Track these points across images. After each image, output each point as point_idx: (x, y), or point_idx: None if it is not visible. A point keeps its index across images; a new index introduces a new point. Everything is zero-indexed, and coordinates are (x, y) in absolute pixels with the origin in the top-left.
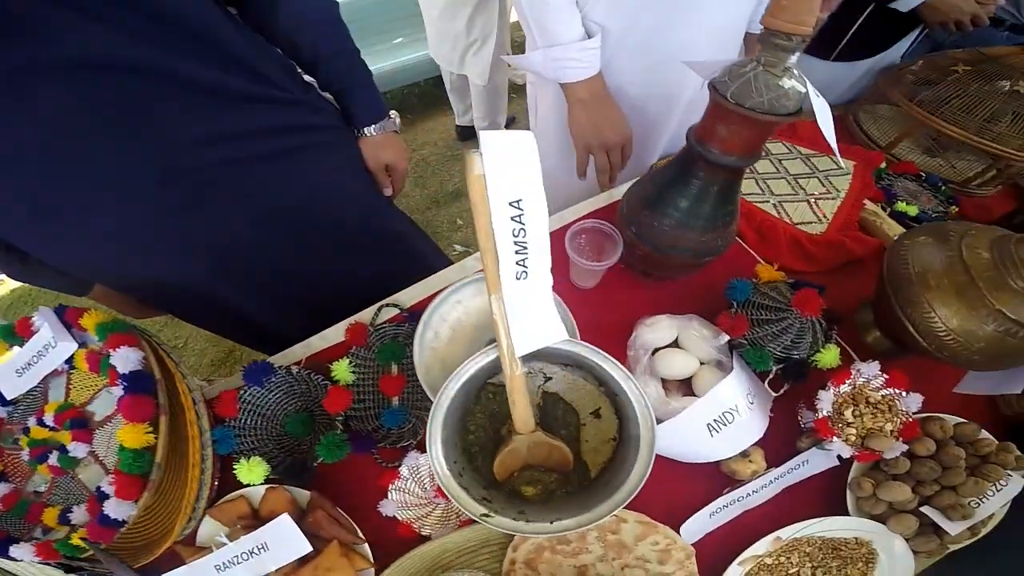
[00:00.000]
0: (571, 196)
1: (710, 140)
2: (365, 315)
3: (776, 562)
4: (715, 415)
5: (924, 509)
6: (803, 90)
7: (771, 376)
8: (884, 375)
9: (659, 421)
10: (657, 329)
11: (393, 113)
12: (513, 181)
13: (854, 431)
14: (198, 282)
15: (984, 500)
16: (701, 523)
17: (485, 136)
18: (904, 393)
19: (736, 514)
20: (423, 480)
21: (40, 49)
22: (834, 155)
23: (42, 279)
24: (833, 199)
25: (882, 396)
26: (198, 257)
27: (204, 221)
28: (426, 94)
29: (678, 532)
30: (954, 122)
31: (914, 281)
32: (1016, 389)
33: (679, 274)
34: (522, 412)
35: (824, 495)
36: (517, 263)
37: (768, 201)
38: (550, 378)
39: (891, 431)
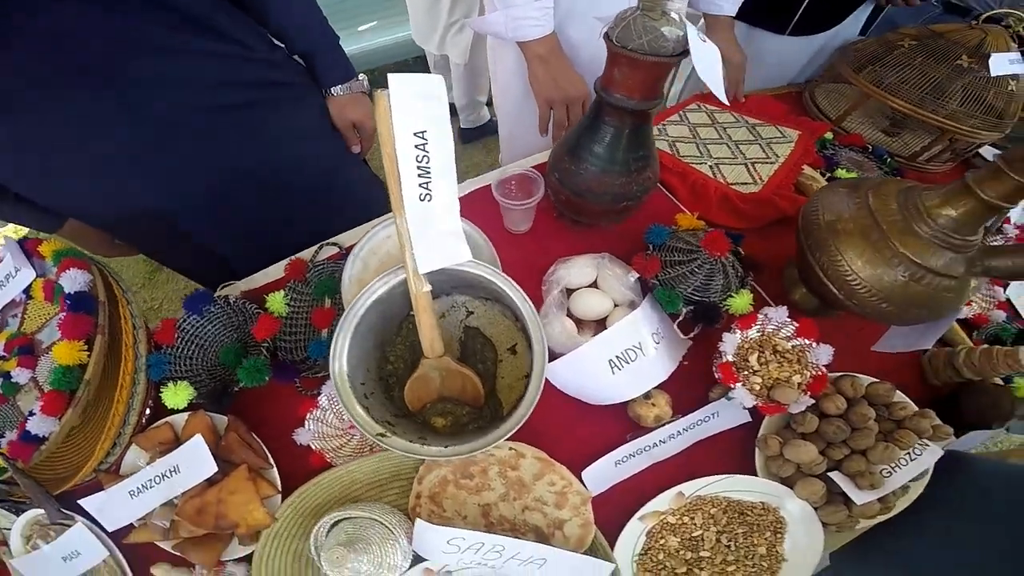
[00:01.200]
0: (533, 153)
1: (610, 86)
2: (307, 253)
3: (679, 522)
4: (618, 351)
5: (832, 475)
6: (682, 33)
7: (681, 318)
8: (794, 323)
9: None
10: (573, 266)
11: (362, 76)
12: (418, 115)
13: (759, 380)
14: (172, 221)
15: (896, 469)
16: (605, 471)
17: (393, 77)
18: (815, 344)
19: (644, 465)
20: (341, 411)
21: (25, 20)
22: (781, 125)
23: (16, 214)
24: (771, 163)
25: (792, 346)
26: (171, 197)
27: (176, 163)
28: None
29: (582, 479)
30: (900, 95)
31: (823, 227)
32: (927, 344)
33: (605, 220)
34: (428, 333)
35: (736, 454)
36: (420, 185)
37: (705, 163)
38: (472, 312)
39: (799, 384)
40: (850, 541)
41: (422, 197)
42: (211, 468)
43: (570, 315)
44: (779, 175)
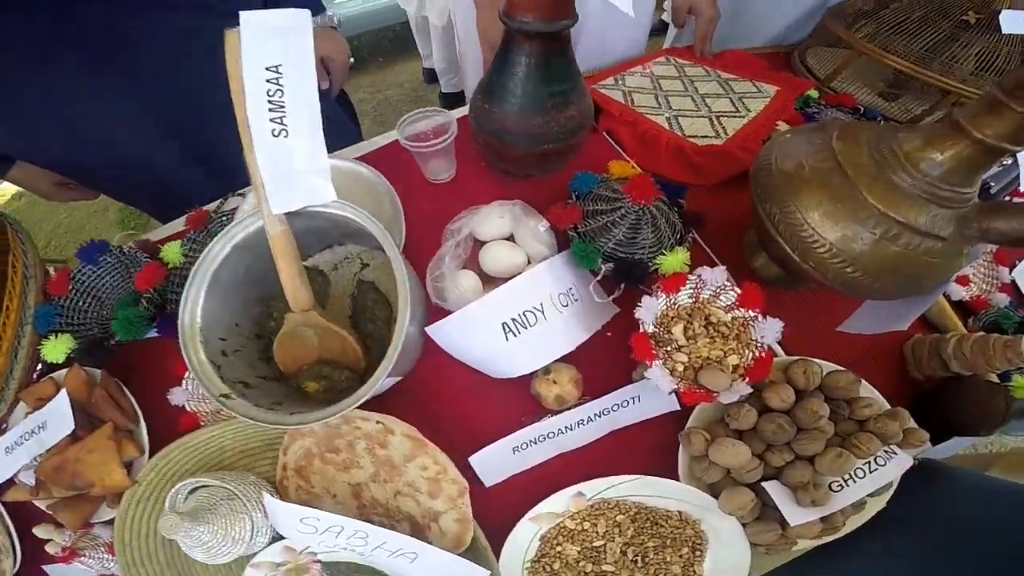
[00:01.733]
0: None
1: (512, 9)
2: (215, 204)
3: (579, 527)
4: (514, 313)
5: (767, 484)
6: None
7: (600, 276)
8: (736, 288)
9: None
10: (480, 214)
11: (331, 12)
12: (272, 49)
13: (685, 358)
14: (131, 153)
15: (849, 482)
16: (500, 459)
17: (246, 12)
18: (760, 317)
19: (549, 456)
20: None
21: None
22: (758, 80)
23: None
24: (740, 118)
25: (731, 319)
26: (128, 126)
27: (134, 91)
28: (399, 38)
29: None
30: (899, 53)
31: (775, 173)
32: (903, 324)
33: (532, 168)
34: (289, 283)
35: (660, 451)
36: (272, 120)
37: (662, 114)
38: (367, 264)
39: (735, 366)
40: (784, 565)
41: (275, 133)
42: (69, 426)
43: (482, 273)
44: (747, 129)
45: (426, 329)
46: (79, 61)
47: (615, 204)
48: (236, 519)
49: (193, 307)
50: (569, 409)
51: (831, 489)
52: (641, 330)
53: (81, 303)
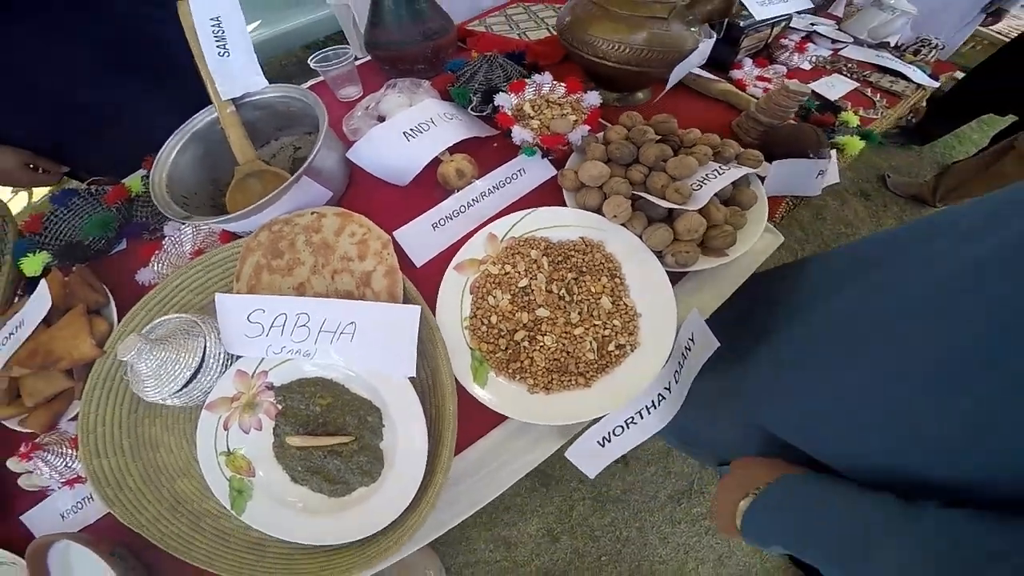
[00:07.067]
0: None
1: None
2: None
3: (501, 272)
4: (411, 125)
5: (643, 196)
6: None
7: (474, 103)
8: (563, 84)
9: None
10: (386, 95)
11: None
12: (212, 8)
13: (537, 123)
14: (95, 100)
15: (704, 183)
16: (423, 235)
17: None
18: (584, 93)
19: (466, 230)
20: (183, 246)
21: None
22: None
23: None
24: None
25: (566, 100)
26: (92, 73)
27: (85, 36)
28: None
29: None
30: None
31: (571, 23)
32: (679, 76)
33: (419, 65)
34: (237, 143)
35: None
36: (217, 46)
37: (513, 32)
38: (299, 148)
39: (574, 120)
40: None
41: (220, 54)
42: (46, 304)
43: None
44: None
45: (347, 154)
46: (41, 24)
47: (474, 64)
48: (191, 343)
49: (163, 165)
50: (471, 184)
51: (692, 189)
52: (501, 111)
53: (58, 234)
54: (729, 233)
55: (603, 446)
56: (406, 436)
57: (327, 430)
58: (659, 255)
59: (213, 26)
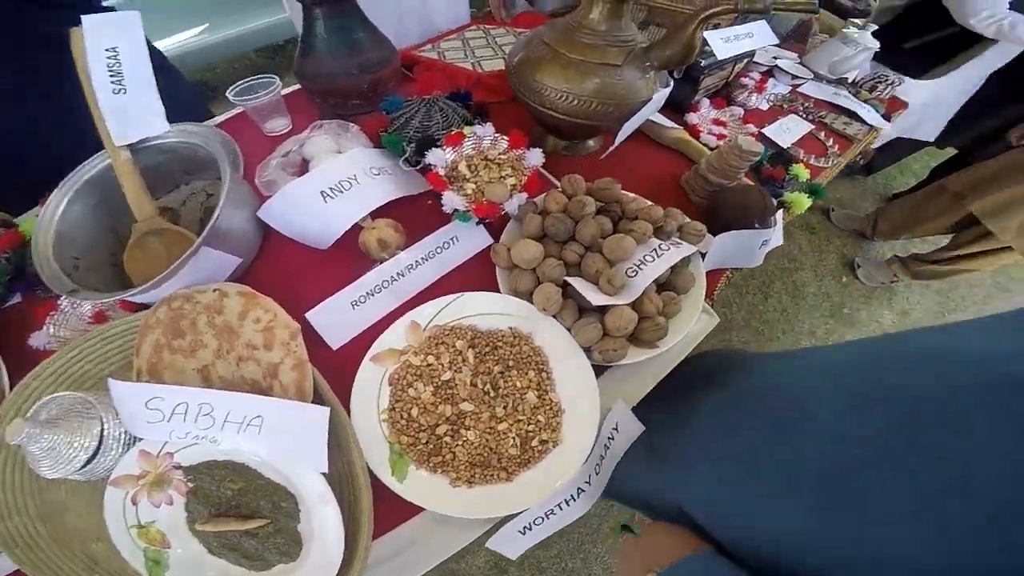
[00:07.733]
0: None
1: None
2: None
3: (424, 363)
4: (330, 183)
5: (572, 281)
6: None
7: (407, 155)
8: (506, 139)
9: None
10: (311, 138)
11: None
12: (110, 37)
13: (473, 186)
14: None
15: (641, 268)
16: (341, 314)
17: (87, 17)
18: (526, 151)
19: (390, 307)
20: (82, 307)
21: None
22: None
23: None
24: None
25: (506, 158)
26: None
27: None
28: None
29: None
30: None
31: (519, 65)
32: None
33: (352, 100)
34: (132, 195)
35: (489, 286)
36: (112, 82)
37: (468, 61)
38: (211, 195)
39: (512, 185)
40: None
41: (115, 91)
42: None
43: None
44: None
45: (258, 213)
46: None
47: (410, 105)
48: (86, 425)
49: (50, 221)
50: (395, 255)
51: (628, 275)
52: (433, 171)
53: None
54: (660, 327)
55: (524, 534)
56: (321, 526)
57: (240, 512)
58: (587, 350)
59: (109, 57)
